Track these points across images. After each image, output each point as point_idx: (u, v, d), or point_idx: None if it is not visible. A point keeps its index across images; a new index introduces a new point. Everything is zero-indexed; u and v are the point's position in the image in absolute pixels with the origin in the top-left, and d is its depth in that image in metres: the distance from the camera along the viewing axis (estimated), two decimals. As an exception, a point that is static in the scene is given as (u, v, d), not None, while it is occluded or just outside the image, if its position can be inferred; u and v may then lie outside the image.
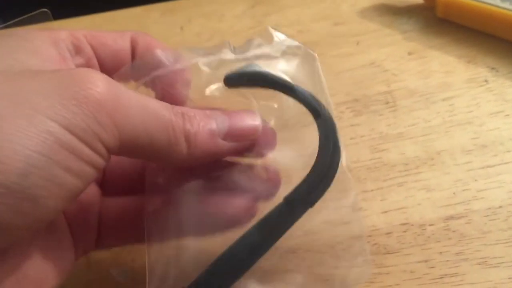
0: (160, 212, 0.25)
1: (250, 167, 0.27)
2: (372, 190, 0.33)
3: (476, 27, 0.41)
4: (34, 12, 0.39)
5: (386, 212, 0.32)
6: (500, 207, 0.31)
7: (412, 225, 0.31)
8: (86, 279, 0.31)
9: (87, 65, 0.25)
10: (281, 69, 0.28)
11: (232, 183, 0.26)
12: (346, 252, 0.29)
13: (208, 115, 0.24)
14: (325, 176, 0.26)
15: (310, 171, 0.26)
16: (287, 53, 0.29)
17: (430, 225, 0.31)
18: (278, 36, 0.29)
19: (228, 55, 0.27)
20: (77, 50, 0.25)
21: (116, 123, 0.20)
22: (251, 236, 0.25)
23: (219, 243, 0.25)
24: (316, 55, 0.29)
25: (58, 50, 0.24)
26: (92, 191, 0.27)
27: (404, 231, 0.31)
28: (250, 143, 0.26)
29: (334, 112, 0.38)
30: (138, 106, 0.21)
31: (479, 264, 0.29)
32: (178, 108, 0.23)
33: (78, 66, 0.25)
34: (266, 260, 0.27)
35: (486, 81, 0.38)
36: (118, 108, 0.20)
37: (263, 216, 0.26)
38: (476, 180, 0.33)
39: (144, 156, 0.23)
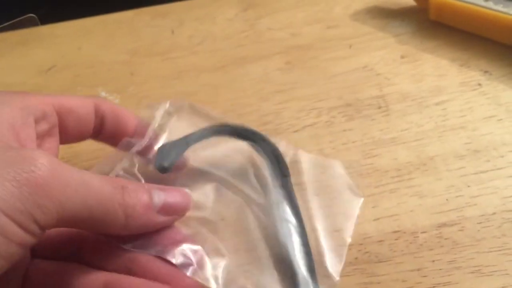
0: None
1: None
2: (364, 197, 0.33)
3: (469, 29, 0.41)
4: (22, 17, 0.39)
5: (378, 219, 0.32)
6: (494, 213, 0.31)
7: (404, 232, 0.31)
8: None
9: (49, 132, 0.28)
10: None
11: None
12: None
13: (146, 188, 0.25)
14: None
15: None
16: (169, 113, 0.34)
17: (423, 232, 0.31)
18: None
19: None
20: (44, 116, 0.27)
21: (55, 203, 0.21)
22: None
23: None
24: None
25: (23, 117, 0.25)
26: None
27: (396, 239, 0.31)
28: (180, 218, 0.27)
29: (326, 117, 0.37)
30: (80, 184, 0.22)
31: (473, 272, 0.29)
32: (119, 182, 0.24)
33: (40, 132, 0.27)
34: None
35: (479, 84, 0.37)
36: (59, 188, 0.21)
37: None
38: (469, 186, 0.32)
39: (83, 227, 0.23)
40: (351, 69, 0.40)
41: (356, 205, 0.32)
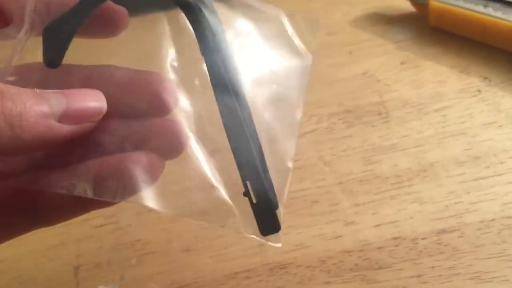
0: None
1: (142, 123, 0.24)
2: (364, 204, 0.33)
3: (469, 36, 0.41)
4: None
5: (378, 225, 0.32)
6: (493, 220, 0.31)
7: (404, 239, 0.31)
8: (75, 296, 0.31)
9: None
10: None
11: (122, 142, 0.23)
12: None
13: (37, 94, 0.20)
14: None
15: None
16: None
17: (423, 238, 0.31)
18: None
19: None
20: None
21: None
22: None
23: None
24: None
25: None
26: None
27: (396, 245, 0.31)
28: (93, 125, 0.22)
29: (326, 123, 0.37)
30: None
31: (472, 279, 0.29)
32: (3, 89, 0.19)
33: None
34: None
35: (479, 91, 0.37)
36: None
37: None
38: (468, 193, 0.32)
39: None
40: (351, 75, 0.41)
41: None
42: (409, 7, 0.44)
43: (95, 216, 0.33)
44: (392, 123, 0.37)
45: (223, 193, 0.23)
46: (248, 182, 0.22)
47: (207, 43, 0.23)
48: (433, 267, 0.29)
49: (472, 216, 0.31)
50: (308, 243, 0.32)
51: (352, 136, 0.36)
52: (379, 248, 0.31)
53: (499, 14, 0.39)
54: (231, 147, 0.22)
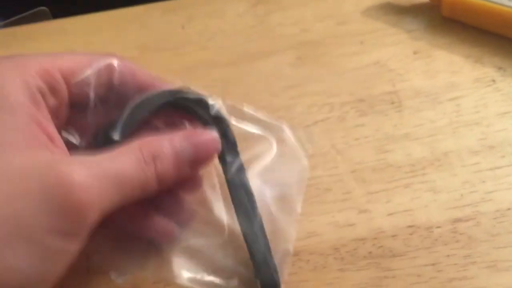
0: None
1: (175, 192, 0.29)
2: (377, 192, 0.32)
3: (482, 26, 0.41)
4: (34, 10, 0.38)
5: (391, 214, 0.31)
6: (509, 209, 0.30)
7: (419, 227, 0.30)
8: (85, 283, 0.30)
9: (59, 107, 0.26)
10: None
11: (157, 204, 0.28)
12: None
13: (172, 146, 0.26)
14: None
15: None
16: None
17: (437, 227, 0.30)
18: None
19: None
20: (52, 90, 0.25)
21: (95, 212, 0.22)
22: None
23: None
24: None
25: (30, 95, 0.23)
26: None
27: (411, 234, 0.30)
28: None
29: (338, 112, 0.37)
30: (113, 181, 0.23)
31: (488, 267, 0.28)
32: (148, 152, 0.24)
33: (51, 107, 0.25)
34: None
35: (493, 81, 0.37)
36: (96, 201, 0.22)
37: None
38: (484, 182, 0.32)
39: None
40: (363, 65, 0.40)
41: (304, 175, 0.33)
42: (421, -3, 0.44)
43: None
44: (405, 112, 0.36)
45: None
46: (259, 269, 0.28)
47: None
48: (448, 256, 0.29)
49: (487, 205, 0.31)
50: (321, 231, 0.31)
51: (365, 125, 0.36)
52: (393, 236, 0.30)
53: (514, 3, 0.38)
54: (246, 242, 0.28)
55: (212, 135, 0.28)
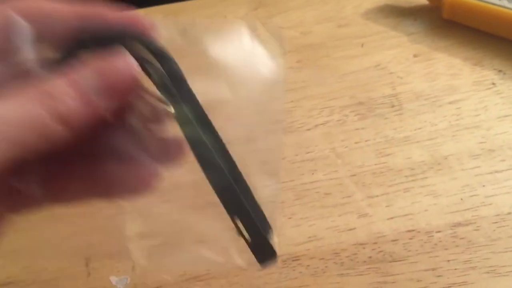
0: None
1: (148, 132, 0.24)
2: (377, 196, 0.32)
3: (482, 28, 0.40)
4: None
5: (392, 218, 0.31)
6: (509, 213, 0.30)
7: (419, 232, 0.30)
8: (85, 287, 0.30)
9: None
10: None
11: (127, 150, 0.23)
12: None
13: (71, 78, 0.21)
14: None
15: None
16: None
17: (437, 232, 0.30)
18: None
19: None
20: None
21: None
22: None
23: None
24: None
25: None
26: None
27: (411, 238, 0.30)
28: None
29: (338, 116, 0.37)
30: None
31: (488, 272, 0.28)
32: (44, 89, 0.20)
33: None
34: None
35: (493, 83, 0.37)
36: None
37: None
38: (484, 186, 0.32)
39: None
40: (363, 67, 0.40)
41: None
42: (421, 0, 0.44)
43: (107, 207, 0.33)
44: (405, 115, 0.36)
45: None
46: (238, 222, 0.22)
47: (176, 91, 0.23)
48: (448, 261, 0.29)
49: (487, 210, 0.31)
50: (321, 235, 0.31)
51: (365, 128, 0.36)
52: (393, 240, 0.30)
53: (514, 6, 0.38)
54: (214, 189, 0.22)
55: (122, 59, 0.22)
